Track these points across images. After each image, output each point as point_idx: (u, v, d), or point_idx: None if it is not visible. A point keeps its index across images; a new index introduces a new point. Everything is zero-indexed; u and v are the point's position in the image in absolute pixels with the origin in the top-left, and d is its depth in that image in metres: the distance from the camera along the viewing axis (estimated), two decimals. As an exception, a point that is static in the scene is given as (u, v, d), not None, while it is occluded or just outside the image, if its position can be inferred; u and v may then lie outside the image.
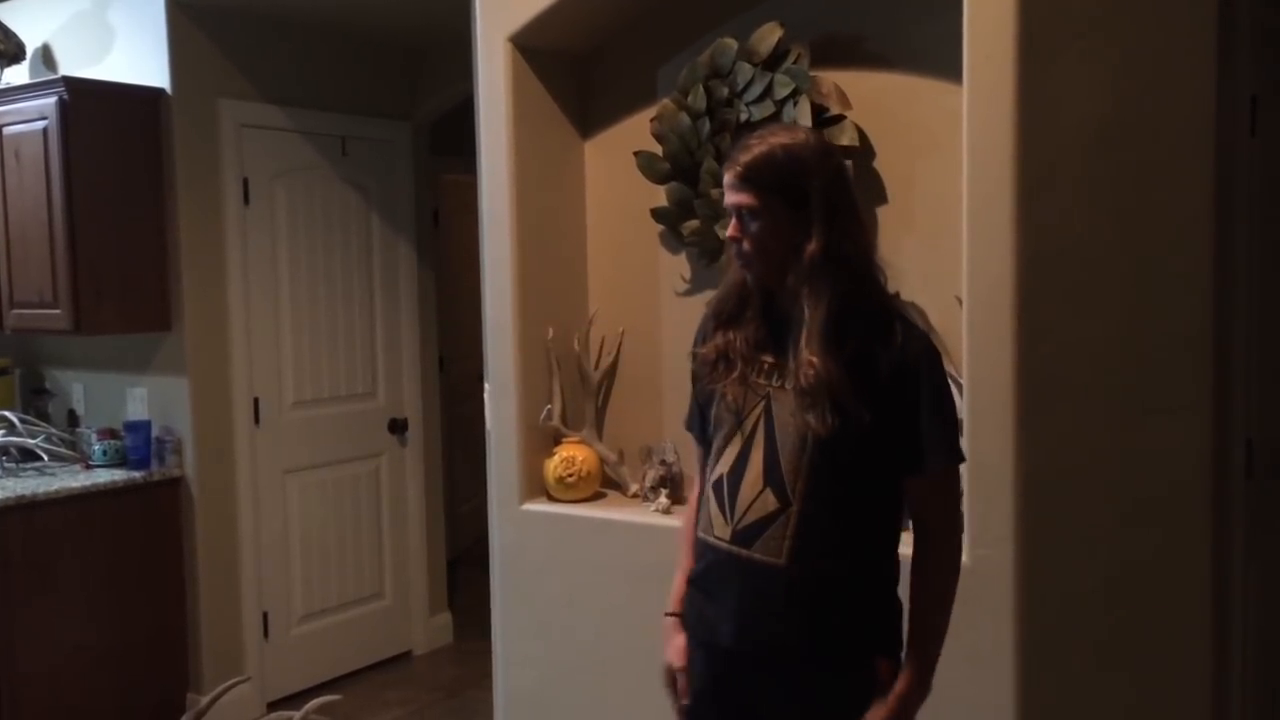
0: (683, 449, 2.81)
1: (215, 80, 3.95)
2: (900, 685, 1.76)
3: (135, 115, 3.81)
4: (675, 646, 1.95)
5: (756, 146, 1.77)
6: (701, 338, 1.93)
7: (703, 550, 1.88)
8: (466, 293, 4.76)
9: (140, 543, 3.83)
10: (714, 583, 1.85)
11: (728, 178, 1.78)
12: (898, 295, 1.86)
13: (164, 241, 3.87)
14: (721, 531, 1.83)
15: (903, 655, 1.81)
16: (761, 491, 1.77)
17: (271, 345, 4.15)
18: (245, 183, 4.04)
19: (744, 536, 1.79)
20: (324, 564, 4.36)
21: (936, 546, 1.80)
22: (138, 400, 4.02)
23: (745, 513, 1.79)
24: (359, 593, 4.50)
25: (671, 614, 1.98)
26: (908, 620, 1.81)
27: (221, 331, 3.99)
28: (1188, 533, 2.34)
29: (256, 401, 4.10)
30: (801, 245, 1.73)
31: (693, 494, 2.05)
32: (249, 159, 4.05)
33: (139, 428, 3.89)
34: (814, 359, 1.70)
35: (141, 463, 3.87)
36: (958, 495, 1.81)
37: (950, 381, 1.83)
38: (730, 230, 1.79)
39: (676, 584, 1.99)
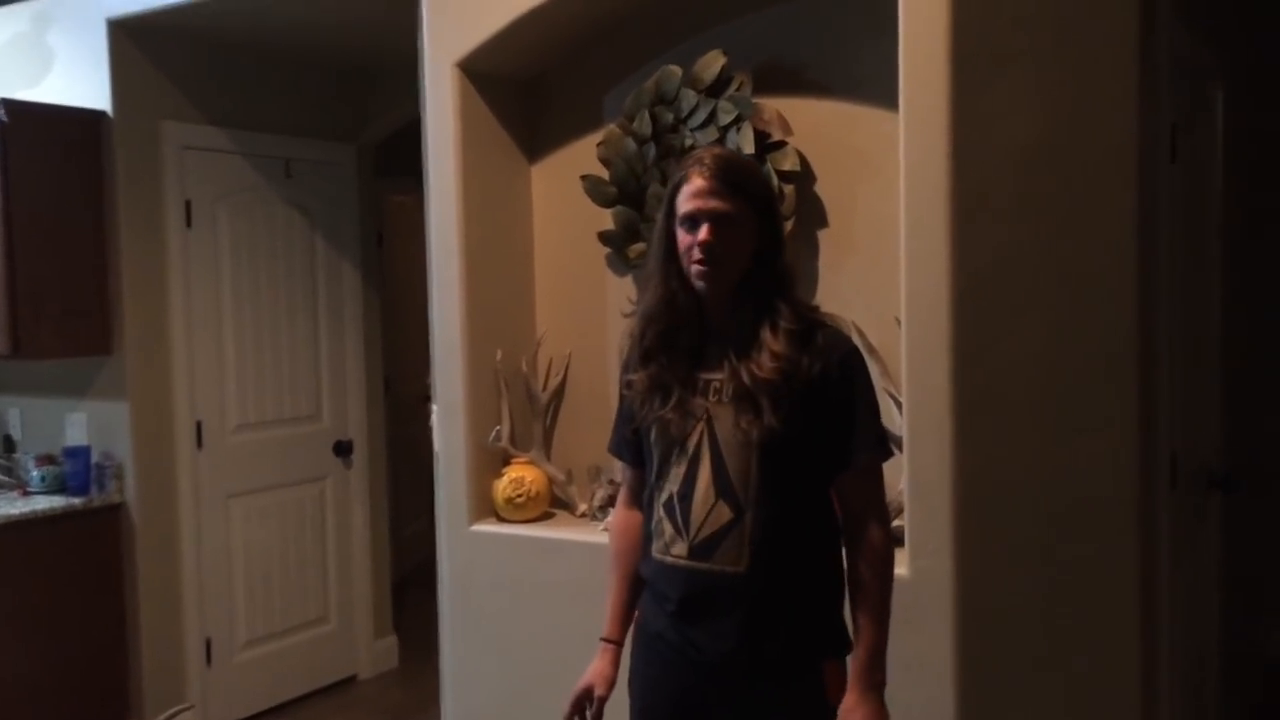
0: (630, 467, 2.84)
1: (157, 102, 3.93)
2: (857, 673, 1.78)
3: (75, 138, 3.77)
4: (603, 675, 1.97)
5: (724, 155, 1.82)
6: (628, 365, 1.94)
7: (659, 572, 1.88)
8: (411, 313, 4.76)
9: (80, 570, 3.77)
10: (685, 604, 1.84)
11: (699, 184, 1.77)
12: (818, 306, 1.92)
13: (105, 264, 3.83)
14: (679, 550, 1.83)
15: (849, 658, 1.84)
16: (715, 504, 1.80)
17: (214, 368, 4.12)
18: (188, 205, 4.02)
19: (702, 550, 1.81)
20: (268, 589, 4.32)
21: (873, 532, 1.82)
22: (77, 425, 3.96)
23: (701, 526, 1.81)
24: (303, 617, 4.45)
25: (608, 640, 1.99)
26: (854, 610, 1.83)
27: (163, 355, 3.95)
28: (1117, 542, 2.42)
29: (199, 425, 4.06)
30: (760, 253, 1.80)
31: (619, 516, 2.04)
32: (191, 181, 4.03)
33: (78, 453, 3.84)
34: (767, 361, 1.76)
35: (81, 489, 3.81)
36: (883, 486, 1.87)
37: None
38: (703, 234, 1.76)
39: (611, 608, 2.00)
